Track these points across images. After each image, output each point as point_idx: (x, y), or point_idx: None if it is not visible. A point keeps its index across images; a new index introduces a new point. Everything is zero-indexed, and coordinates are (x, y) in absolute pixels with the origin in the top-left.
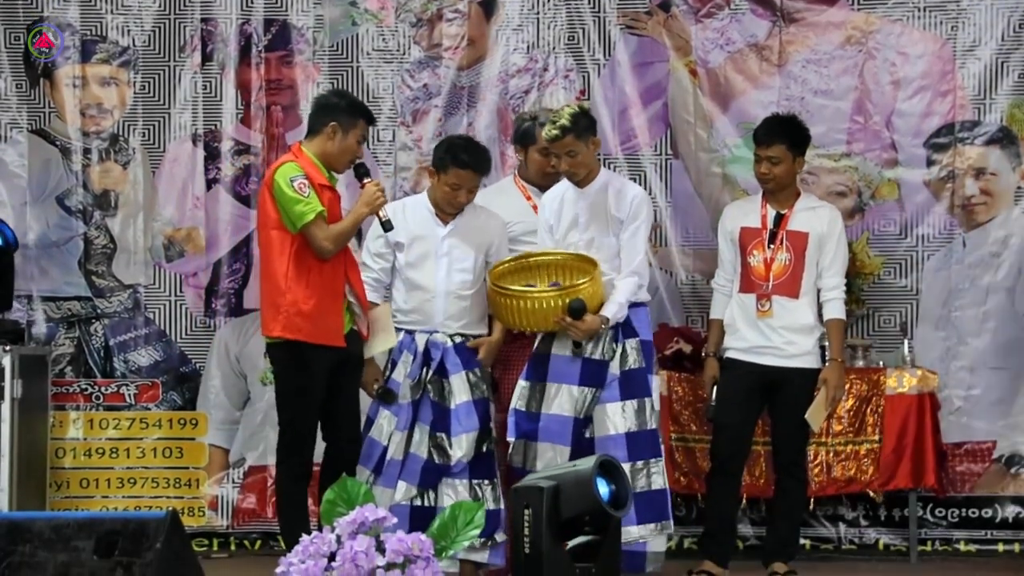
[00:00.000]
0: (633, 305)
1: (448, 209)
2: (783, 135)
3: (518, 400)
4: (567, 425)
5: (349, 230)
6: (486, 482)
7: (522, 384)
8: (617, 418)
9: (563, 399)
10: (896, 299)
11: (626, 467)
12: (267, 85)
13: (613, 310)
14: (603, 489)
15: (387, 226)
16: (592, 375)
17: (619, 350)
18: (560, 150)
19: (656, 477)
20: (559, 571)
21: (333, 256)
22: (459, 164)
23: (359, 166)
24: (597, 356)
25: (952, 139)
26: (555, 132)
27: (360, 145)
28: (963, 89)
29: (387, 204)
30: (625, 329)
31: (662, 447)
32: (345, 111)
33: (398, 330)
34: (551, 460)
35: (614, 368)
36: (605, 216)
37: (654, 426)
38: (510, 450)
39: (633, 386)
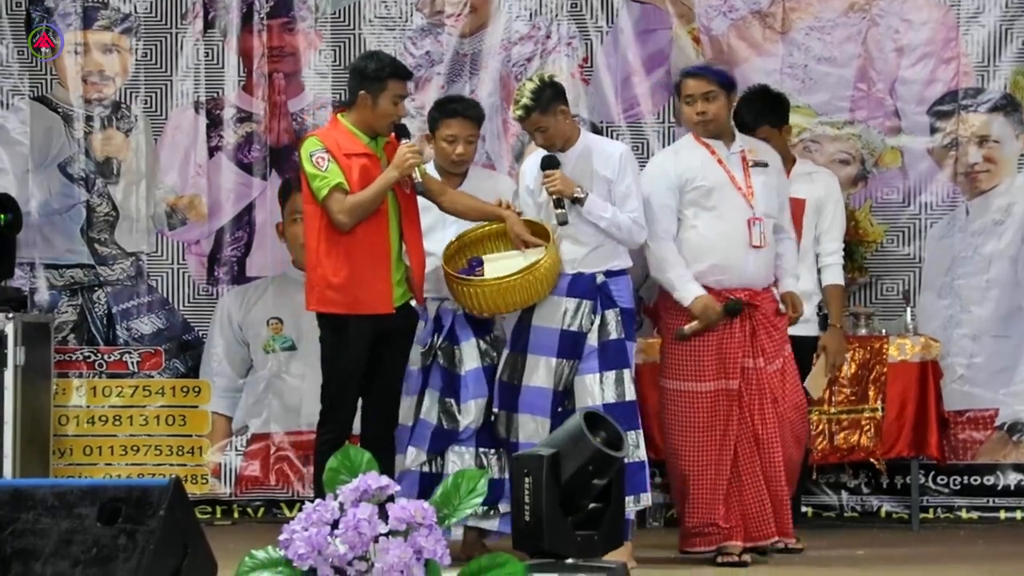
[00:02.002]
0: (613, 273)
1: (451, 168)
2: (763, 116)
3: (502, 371)
4: (546, 397)
5: (370, 199)
6: (492, 451)
7: (505, 355)
8: (595, 389)
9: (541, 371)
10: (899, 267)
11: None
12: (269, 52)
13: (597, 198)
14: (596, 438)
15: (418, 188)
16: (570, 346)
17: (597, 321)
18: (530, 128)
19: (635, 449)
20: (560, 538)
21: (364, 224)
22: (448, 113)
23: (398, 128)
24: (575, 327)
25: (955, 106)
26: (519, 113)
27: (397, 105)
28: (967, 56)
29: (420, 163)
30: (604, 299)
31: (639, 419)
32: (371, 77)
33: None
34: (533, 432)
35: (592, 339)
36: (590, 177)
37: (632, 397)
38: (495, 420)
39: (611, 357)
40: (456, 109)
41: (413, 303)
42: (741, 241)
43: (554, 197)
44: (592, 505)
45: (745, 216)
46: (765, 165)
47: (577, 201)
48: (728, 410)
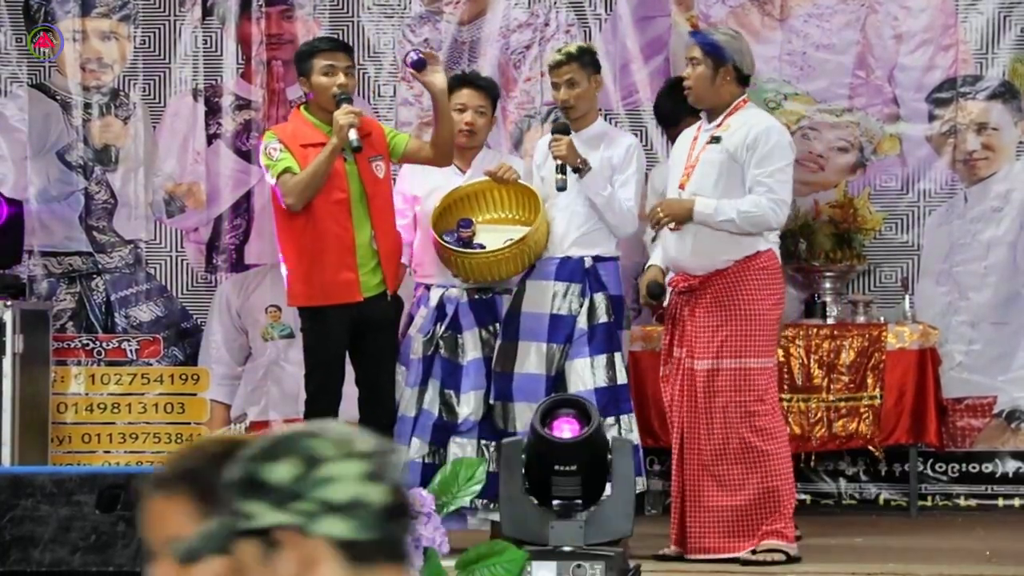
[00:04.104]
0: (602, 259)
1: (464, 140)
2: (681, 108)
3: (495, 362)
4: (539, 383)
5: (311, 173)
6: (494, 443)
7: (498, 345)
8: (586, 374)
9: (532, 357)
10: (897, 254)
11: None
12: (268, 40)
13: (599, 177)
14: (566, 427)
15: (353, 144)
16: (559, 331)
17: (586, 304)
18: (560, 78)
19: (627, 433)
20: (523, 524)
21: (324, 215)
22: (459, 83)
23: (340, 97)
24: (564, 311)
25: (954, 94)
26: (559, 58)
27: (330, 76)
28: (965, 43)
29: (357, 123)
30: (592, 283)
31: (631, 403)
32: (299, 61)
33: (417, 285)
34: (529, 420)
35: (581, 323)
36: (597, 161)
37: (624, 380)
38: (492, 412)
39: (601, 341)
40: (467, 78)
41: (401, 289)
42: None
43: (558, 162)
44: (571, 491)
45: (671, 196)
46: (717, 141)
47: (578, 171)
48: (669, 397)
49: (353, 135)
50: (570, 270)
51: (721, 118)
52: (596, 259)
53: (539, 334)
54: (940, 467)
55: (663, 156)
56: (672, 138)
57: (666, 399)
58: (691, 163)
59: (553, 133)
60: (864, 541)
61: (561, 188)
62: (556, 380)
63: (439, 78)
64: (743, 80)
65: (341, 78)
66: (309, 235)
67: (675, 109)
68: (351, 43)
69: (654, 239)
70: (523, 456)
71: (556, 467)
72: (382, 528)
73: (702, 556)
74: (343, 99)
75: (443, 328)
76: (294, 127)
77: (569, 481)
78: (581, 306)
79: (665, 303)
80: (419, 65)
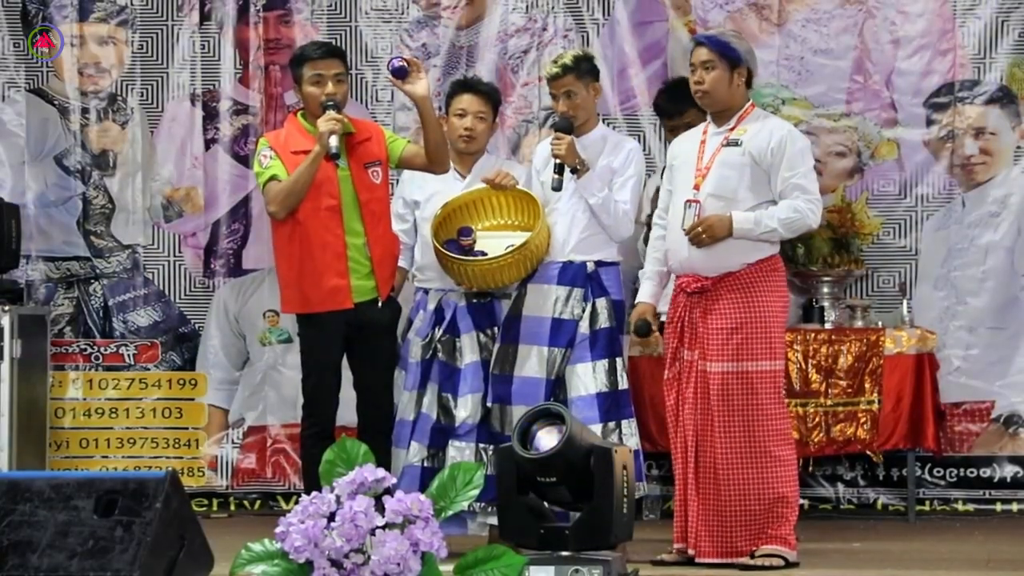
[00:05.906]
0: (603, 264)
1: (461, 146)
2: (688, 100)
3: (494, 364)
4: (539, 386)
5: (293, 181)
6: (492, 447)
7: (496, 348)
8: (588, 379)
9: (533, 361)
10: (895, 259)
11: (597, 428)
12: (265, 44)
13: (596, 179)
14: (543, 440)
15: (331, 152)
16: (561, 335)
17: (588, 309)
18: (558, 90)
19: (628, 438)
20: (520, 527)
21: (315, 222)
22: (460, 87)
23: (327, 104)
24: (566, 315)
25: (952, 98)
26: (555, 70)
27: (318, 84)
28: (963, 48)
29: (338, 130)
30: (594, 288)
31: (632, 407)
32: (292, 69)
33: (416, 289)
34: None
35: (583, 327)
36: (599, 167)
37: (625, 386)
38: (489, 415)
39: (603, 345)
40: (468, 84)
41: (400, 293)
42: (678, 223)
43: (556, 161)
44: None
45: (685, 197)
46: (736, 144)
47: (576, 172)
48: (673, 401)
49: (333, 141)
50: (572, 275)
51: (734, 122)
52: (598, 264)
53: (540, 338)
54: (938, 472)
55: (661, 161)
56: (671, 131)
57: (669, 403)
58: (704, 166)
59: (555, 130)
60: (862, 546)
61: (556, 188)
62: (556, 384)
63: (421, 86)
64: (750, 82)
65: (329, 87)
66: (298, 242)
67: (677, 104)
68: (349, 48)
69: (646, 236)
70: (516, 461)
71: (538, 479)
72: None
73: (711, 560)
74: (328, 106)
75: (441, 332)
76: (287, 133)
77: (555, 491)
78: (583, 311)
79: (654, 331)
80: (400, 73)
